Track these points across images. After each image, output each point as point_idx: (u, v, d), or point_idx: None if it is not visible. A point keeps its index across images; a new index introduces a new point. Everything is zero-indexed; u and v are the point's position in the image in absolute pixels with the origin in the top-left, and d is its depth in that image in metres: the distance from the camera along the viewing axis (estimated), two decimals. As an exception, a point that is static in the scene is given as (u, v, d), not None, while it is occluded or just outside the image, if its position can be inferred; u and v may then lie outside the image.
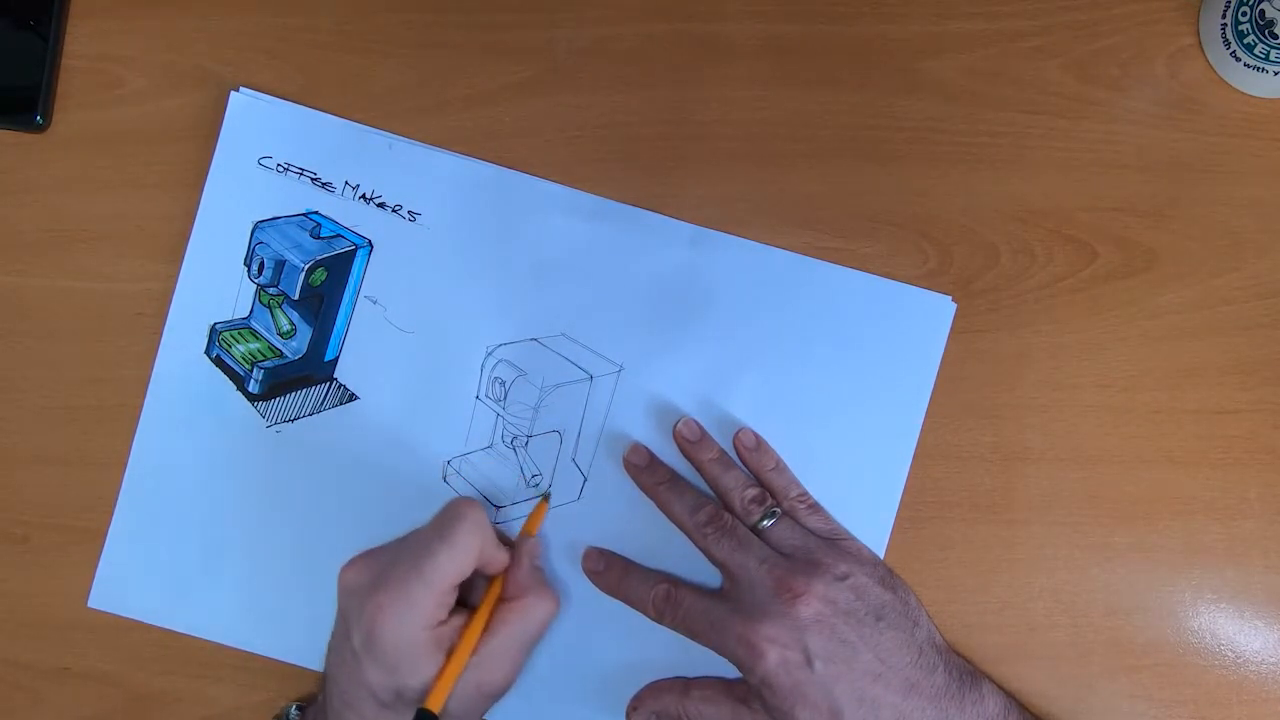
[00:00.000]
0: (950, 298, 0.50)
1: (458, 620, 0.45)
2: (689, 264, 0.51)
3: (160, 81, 0.54)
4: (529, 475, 0.51)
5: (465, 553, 0.44)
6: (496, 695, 0.46)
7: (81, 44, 0.54)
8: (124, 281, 0.53)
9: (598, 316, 0.51)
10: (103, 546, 0.52)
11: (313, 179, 0.52)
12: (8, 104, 0.53)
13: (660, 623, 0.48)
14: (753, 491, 0.49)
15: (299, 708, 0.50)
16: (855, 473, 0.50)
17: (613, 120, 0.52)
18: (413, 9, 0.53)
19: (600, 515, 0.51)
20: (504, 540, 0.49)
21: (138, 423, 0.52)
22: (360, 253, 0.52)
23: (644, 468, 0.50)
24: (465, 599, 0.47)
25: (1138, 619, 0.49)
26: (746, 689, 0.47)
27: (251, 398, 0.52)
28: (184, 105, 0.54)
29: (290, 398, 0.52)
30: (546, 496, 0.51)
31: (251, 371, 0.51)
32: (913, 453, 0.50)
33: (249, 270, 0.52)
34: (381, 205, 0.52)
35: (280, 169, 0.52)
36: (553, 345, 0.51)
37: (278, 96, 0.53)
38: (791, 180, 0.52)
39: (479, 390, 0.51)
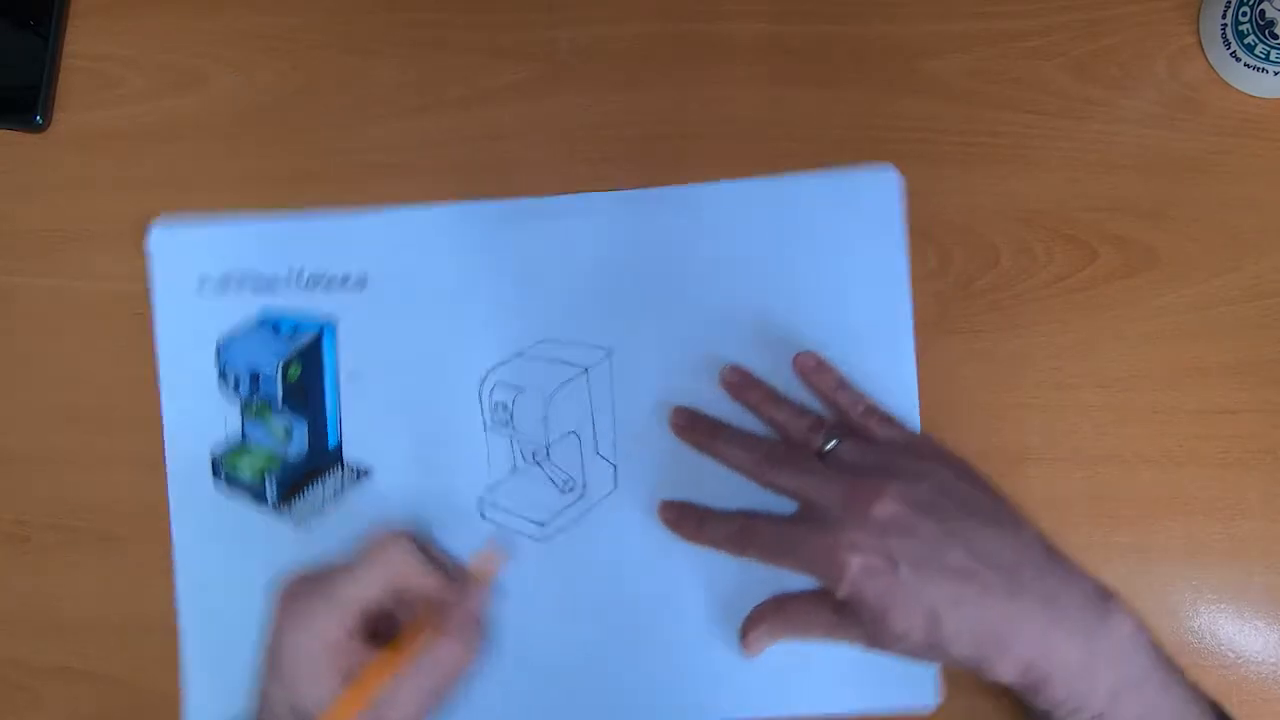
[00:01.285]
0: (892, 166, 0.50)
1: (367, 654, 0.44)
2: (633, 231, 0.51)
3: (160, 81, 0.54)
4: (561, 482, 0.51)
5: (370, 581, 0.44)
6: None
7: (81, 44, 0.54)
8: (124, 281, 0.53)
9: (571, 311, 0.51)
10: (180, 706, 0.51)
11: (255, 282, 0.52)
12: (8, 104, 0.53)
13: (742, 556, 0.46)
14: (808, 419, 0.48)
15: None
16: (863, 364, 0.50)
17: (613, 120, 0.52)
18: (413, 9, 0.53)
19: (640, 495, 0.50)
20: (455, 574, 0.47)
21: (174, 563, 0.51)
22: (326, 334, 0.51)
23: (688, 426, 0.49)
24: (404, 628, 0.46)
25: (1138, 619, 0.49)
26: (840, 601, 0.44)
27: (272, 508, 0.51)
28: (184, 105, 0.54)
29: (308, 495, 0.51)
30: (496, 554, 0.49)
31: (263, 484, 0.51)
32: (911, 323, 0.50)
33: (228, 390, 0.52)
34: (328, 283, 0.52)
35: (221, 285, 0.52)
36: (539, 353, 0.51)
37: (201, 214, 0.52)
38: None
39: (485, 420, 0.51)
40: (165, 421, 0.52)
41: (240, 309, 0.52)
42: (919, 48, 0.52)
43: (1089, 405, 0.50)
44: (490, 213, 0.52)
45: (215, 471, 0.51)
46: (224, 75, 0.54)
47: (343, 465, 0.51)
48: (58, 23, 0.54)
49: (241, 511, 0.52)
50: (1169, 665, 0.41)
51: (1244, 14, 0.48)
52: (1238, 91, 0.51)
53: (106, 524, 0.52)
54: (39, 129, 0.54)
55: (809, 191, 0.51)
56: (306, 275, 0.52)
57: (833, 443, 0.46)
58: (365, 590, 0.44)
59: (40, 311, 0.53)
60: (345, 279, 0.51)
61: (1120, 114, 0.51)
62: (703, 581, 0.50)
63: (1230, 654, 0.49)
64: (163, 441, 0.52)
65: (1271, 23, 0.47)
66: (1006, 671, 0.41)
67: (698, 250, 0.51)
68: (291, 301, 0.52)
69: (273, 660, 0.43)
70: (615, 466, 0.51)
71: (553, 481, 0.51)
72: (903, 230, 0.50)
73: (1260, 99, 0.51)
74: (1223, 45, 0.50)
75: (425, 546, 0.47)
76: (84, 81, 0.54)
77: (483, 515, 0.51)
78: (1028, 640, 0.40)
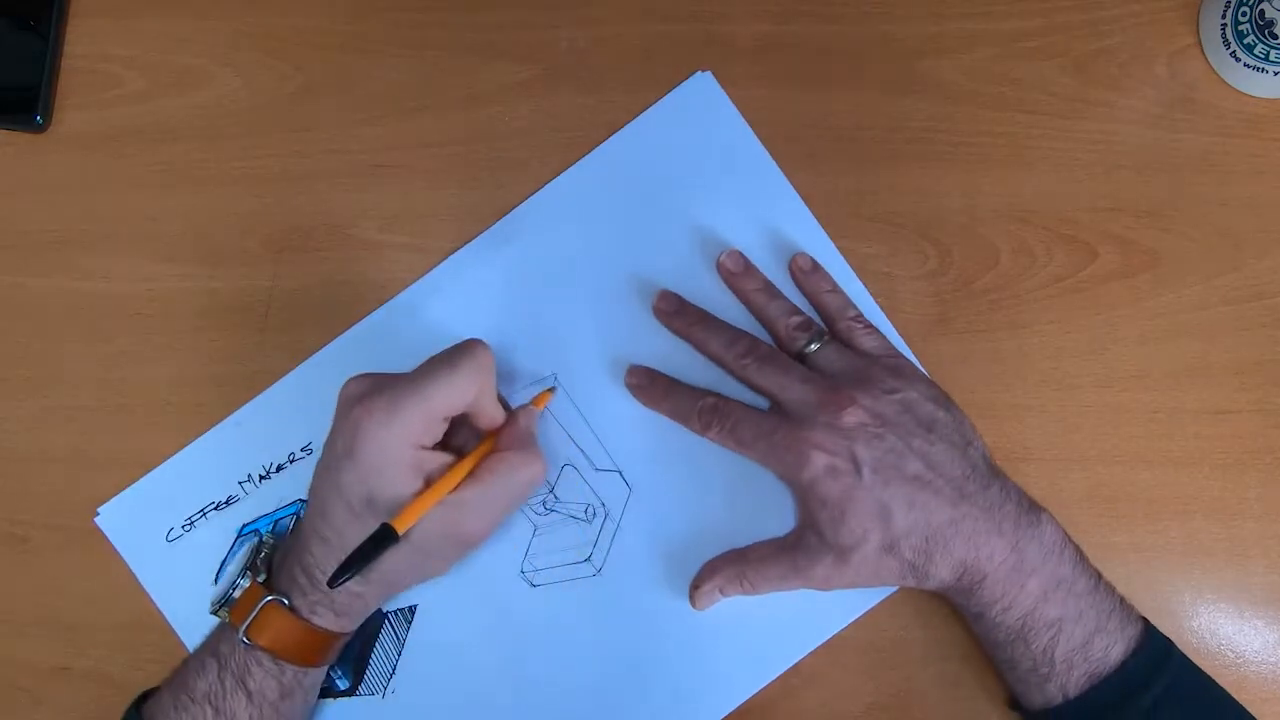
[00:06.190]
0: (704, 69, 0.52)
1: (445, 458, 0.44)
2: (519, 254, 0.52)
3: (160, 81, 0.54)
4: (583, 514, 0.51)
5: (465, 383, 0.43)
6: (466, 545, 0.46)
7: (81, 44, 0.54)
8: (124, 281, 0.53)
9: (501, 361, 0.50)
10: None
11: (216, 507, 0.51)
12: (8, 104, 0.53)
13: (705, 435, 0.48)
14: (797, 319, 0.49)
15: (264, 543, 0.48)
16: (778, 248, 0.51)
17: (613, 120, 0.52)
18: (414, 9, 0.53)
19: (658, 484, 0.50)
20: (505, 406, 0.48)
21: None
22: (302, 513, 0.51)
23: (674, 313, 0.50)
24: (458, 450, 0.46)
25: (1138, 619, 0.49)
26: (797, 535, 0.47)
27: (349, 691, 0.50)
28: (184, 105, 0.54)
29: (375, 662, 0.50)
30: (551, 389, 0.50)
31: (331, 677, 0.50)
32: (798, 197, 0.51)
33: None
34: (281, 469, 0.51)
35: (186, 528, 0.51)
36: None
37: (134, 480, 0.52)
38: (792, 180, 0.51)
39: None
40: None
41: (219, 539, 0.51)
42: (919, 48, 0.52)
43: (1089, 405, 0.50)
44: (368, 329, 0.52)
45: None
46: (224, 75, 0.54)
47: (385, 616, 0.50)
48: (58, 23, 0.54)
49: (331, 709, 0.50)
50: (1093, 575, 0.45)
51: (1244, 14, 0.48)
52: (1238, 91, 0.51)
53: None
54: (39, 129, 0.54)
55: (651, 131, 0.52)
56: (257, 475, 0.51)
57: (816, 345, 0.48)
58: (458, 392, 0.43)
59: (40, 311, 0.53)
60: (292, 456, 0.51)
61: (1120, 114, 0.51)
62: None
63: (1230, 654, 0.49)
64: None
65: (1271, 23, 0.47)
66: (945, 571, 0.44)
67: (580, 240, 0.51)
68: (257, 502, 0.51)
69: (352, 452, 0.42)
70: (620, 471, 0.51)
71: (574, 518, 0.51)
72: (742, 118, 0.51)
73: (1260, 99, 0.51)
74: (1222, 45, 0.50)
75: None
76: (84, 81, 0.54)
77: (533, 585, 0.50)
78: (967, 542, 0.43)
